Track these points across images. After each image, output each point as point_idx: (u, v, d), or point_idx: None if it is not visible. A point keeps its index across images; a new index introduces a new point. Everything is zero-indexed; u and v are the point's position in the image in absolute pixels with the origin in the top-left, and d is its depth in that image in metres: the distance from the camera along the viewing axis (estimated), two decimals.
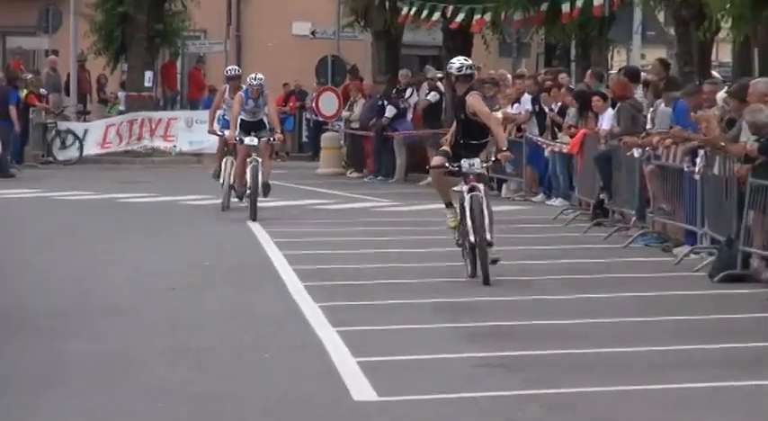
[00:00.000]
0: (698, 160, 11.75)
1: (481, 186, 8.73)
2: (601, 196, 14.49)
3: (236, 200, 14.88)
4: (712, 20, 15.69)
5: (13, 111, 21.86)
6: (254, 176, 13.35)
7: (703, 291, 8.46)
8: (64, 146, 23.40)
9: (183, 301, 9.49)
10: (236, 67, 17.07)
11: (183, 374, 6.75)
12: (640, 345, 8.00)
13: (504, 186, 19.50)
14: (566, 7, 19.24)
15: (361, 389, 6.65)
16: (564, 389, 6.78)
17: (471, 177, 8.80)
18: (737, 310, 8.84)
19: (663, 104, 13.05)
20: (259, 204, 15.08)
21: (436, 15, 22.28)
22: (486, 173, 9.03)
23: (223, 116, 15.46)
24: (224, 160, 14.68)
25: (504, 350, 7.80)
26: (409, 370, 7.30)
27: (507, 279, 10.88)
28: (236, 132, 14.01)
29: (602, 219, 14.59)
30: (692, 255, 11.06)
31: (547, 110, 17.36)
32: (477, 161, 8.72)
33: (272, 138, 14.65)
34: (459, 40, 23.63)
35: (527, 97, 18.76)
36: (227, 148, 14.87)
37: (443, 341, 8.20)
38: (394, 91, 22.13)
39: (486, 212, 8.65)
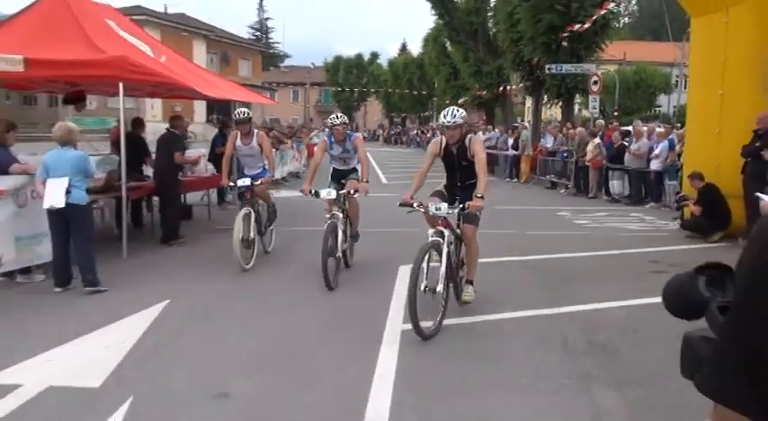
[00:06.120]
0: None
1: (446, 232, 5.76)
2: None
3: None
4: None
5: None
6: (334, 237, 7.27)
7: None
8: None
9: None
10: (246, 110, 9.02)
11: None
12: None
13: None
14: None
15: None
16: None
17: (439, 221, 5.87)
18: None
19: None
20: None
21: None
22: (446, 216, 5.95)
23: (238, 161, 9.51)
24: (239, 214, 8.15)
25: None
26: None
27: None
28: (311, 185, 7.60)
29: None
30: None
31: None
32: (444, 206, 5.84)
33: (351, 191, 7.72)
34: None
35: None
36: (244, 198, 8.56)
37: None
38: None
39: (429, 264, 5.48)
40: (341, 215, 7.44)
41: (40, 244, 7.47)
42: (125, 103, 8.84)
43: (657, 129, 15.13)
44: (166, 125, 10.23)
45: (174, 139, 9.98)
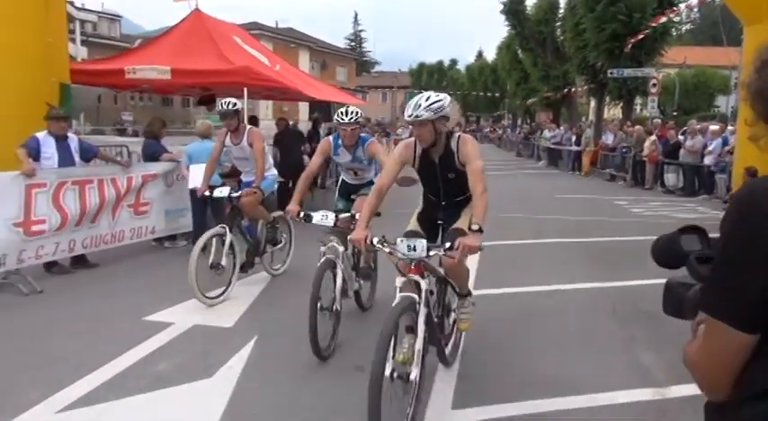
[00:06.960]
0: None
1: (423, 283, 3.26)
2: None
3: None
4: None
5: None
6: (331, 280, 4.40)
7: None
8: None
9: None
10: (232, 100, 6.05)
11: None
12: None
13: None
14: None
15: None
16: None
17: (412, 267, 3.32)
18: None
19: None
20: None
21: None
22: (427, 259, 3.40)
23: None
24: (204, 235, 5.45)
25: None
26: None
27: None
28: (298, 205, 4.77)
29: None
30: None
31: None
32: (421, 244, 3.29)
33: (352, 213, 4.74)
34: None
35: None
36: (222, 212, 6.22)
37: None
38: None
39: (419, 329, 3.17)
40: (341, 248, 4.55)
41: (184, 216, 8.09)
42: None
43: (711, 128, 14.51)
44: (274, 123, 10.81)
45: (300, 135, 10.45)
